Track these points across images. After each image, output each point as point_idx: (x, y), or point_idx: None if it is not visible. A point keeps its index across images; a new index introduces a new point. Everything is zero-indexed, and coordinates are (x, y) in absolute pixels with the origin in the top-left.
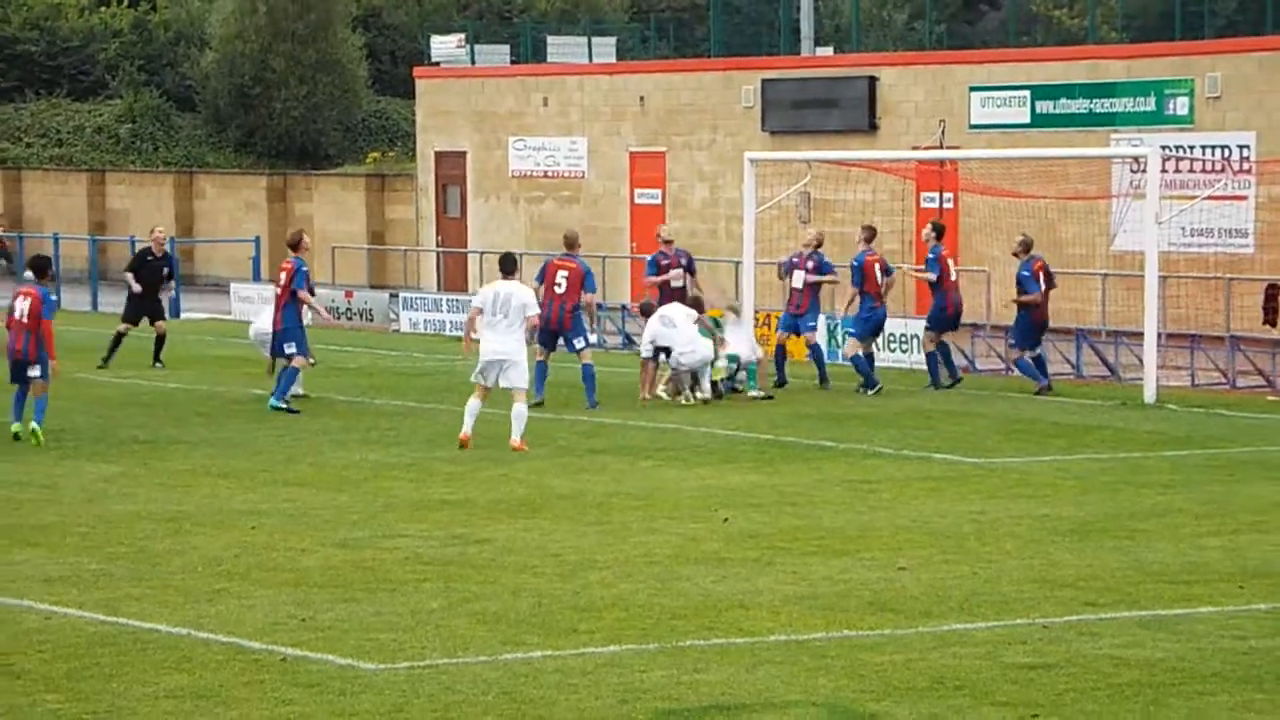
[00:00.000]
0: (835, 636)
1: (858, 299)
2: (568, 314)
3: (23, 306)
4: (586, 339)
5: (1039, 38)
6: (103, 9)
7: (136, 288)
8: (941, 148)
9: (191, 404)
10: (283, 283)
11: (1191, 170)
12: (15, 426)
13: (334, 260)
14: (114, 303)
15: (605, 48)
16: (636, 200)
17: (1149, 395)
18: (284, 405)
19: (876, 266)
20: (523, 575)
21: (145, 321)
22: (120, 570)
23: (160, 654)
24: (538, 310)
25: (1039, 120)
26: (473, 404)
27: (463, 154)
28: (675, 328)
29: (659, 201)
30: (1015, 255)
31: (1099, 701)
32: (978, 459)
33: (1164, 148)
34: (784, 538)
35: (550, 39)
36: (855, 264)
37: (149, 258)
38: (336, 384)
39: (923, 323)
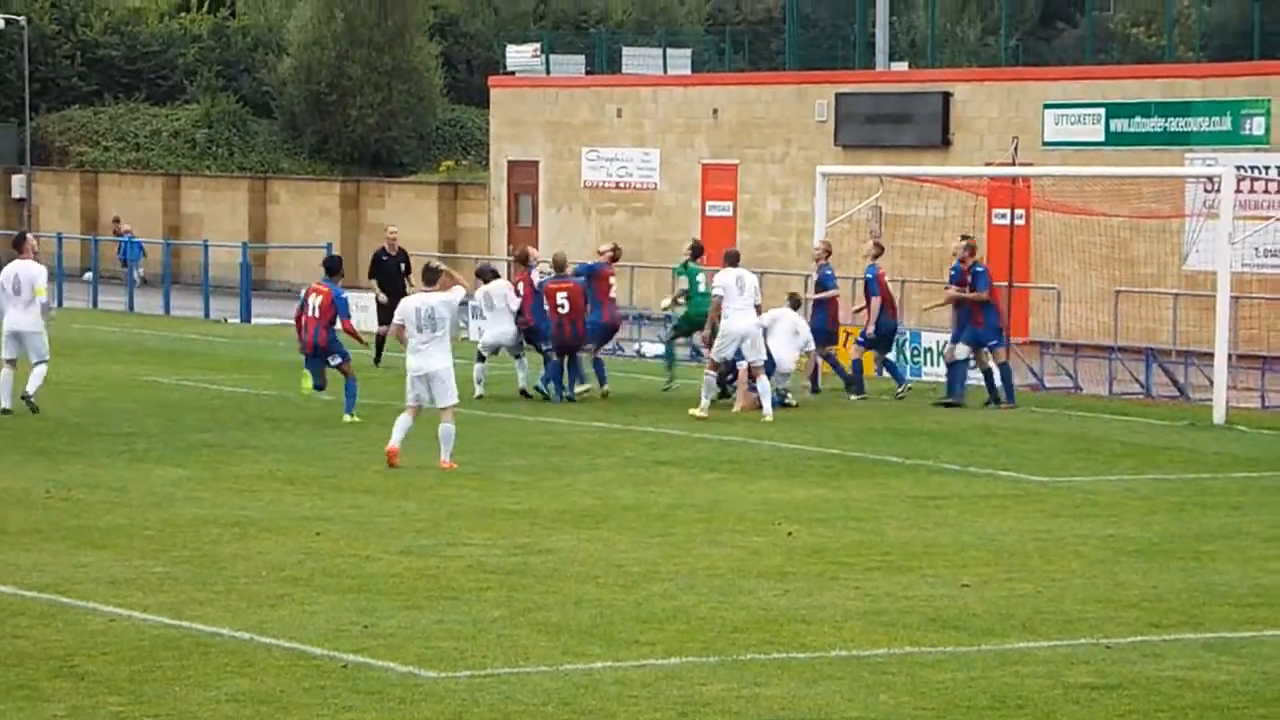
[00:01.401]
0: (897, 653)
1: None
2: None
3: (315, 303)
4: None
5: (1115, 55)
6: (182, 14)
7: (383, 298)
8: (1014, 164)
9: (260, 409)
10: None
11: (1266, 190)
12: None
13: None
14: (187, 306)
15: (680, 59)
16: (708, 212)
17: (1218, 416)
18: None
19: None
20: (585, 586)
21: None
22: (185, 574)
23: (223, 658)
24: (463, 321)
25: (1113, 138)
26: (404, 420)
27: (536, 163)
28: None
29: (730, 214)
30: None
31: None
32: (1044, 477)
33: (1239, 168)
34: (847, 553)
35: (625, 50)
36: (869, 277)
37: (384, 258)
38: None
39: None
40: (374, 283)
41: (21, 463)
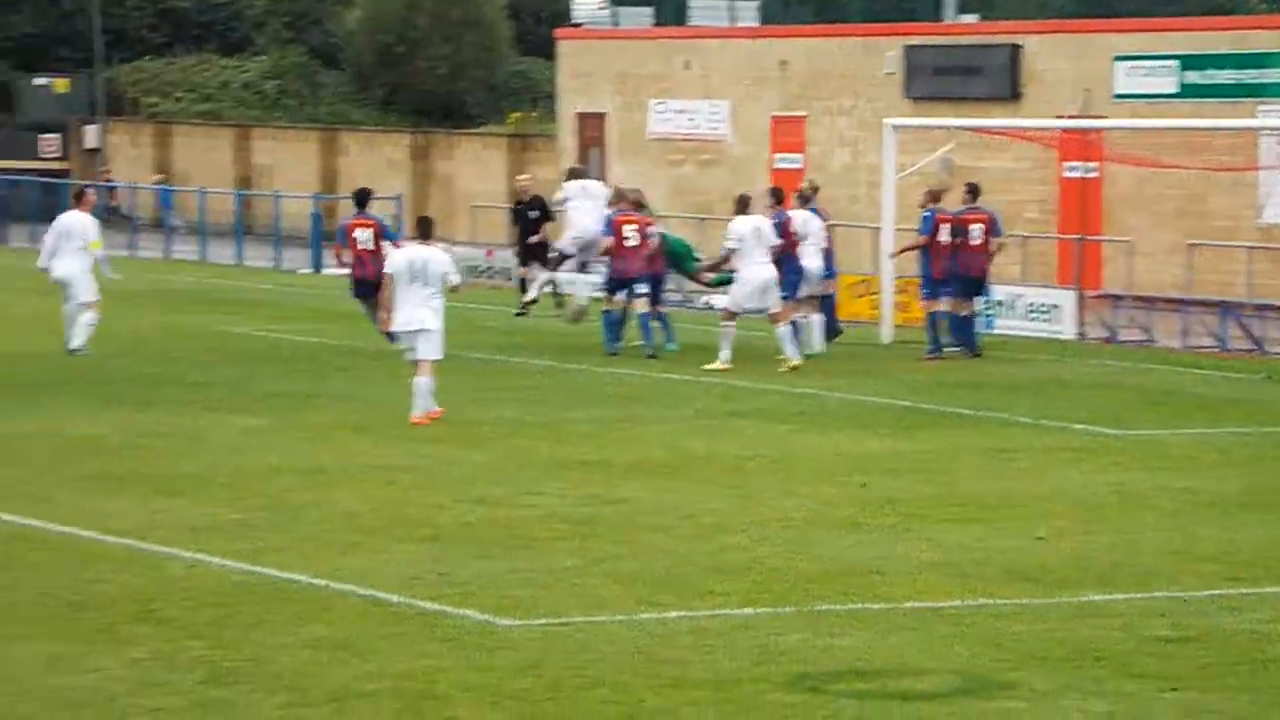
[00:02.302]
0: (972, 605)
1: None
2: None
3: (365, 236)
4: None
5: (1187, 7)
6: None
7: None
8: (1082, 116)
9: (332, 359)
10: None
11: None
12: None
13: (474, 219)
14: (259, 256)
15: (748, 11)
16: (777, 164)
17: None
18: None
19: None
20: (658, 536)
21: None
22: (260, 521)
23: (300, 604)
24: (459, 278)
25: (1186, 90)
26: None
27: (603, 115)
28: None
29: (800, 166)
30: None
31: (1239, 676)
32: (1118, 430)
33: None
34: (921, 505)
35: (692, 2)
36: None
37: (519, 206)
38: (474, 341)
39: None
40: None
41: (98, 411)
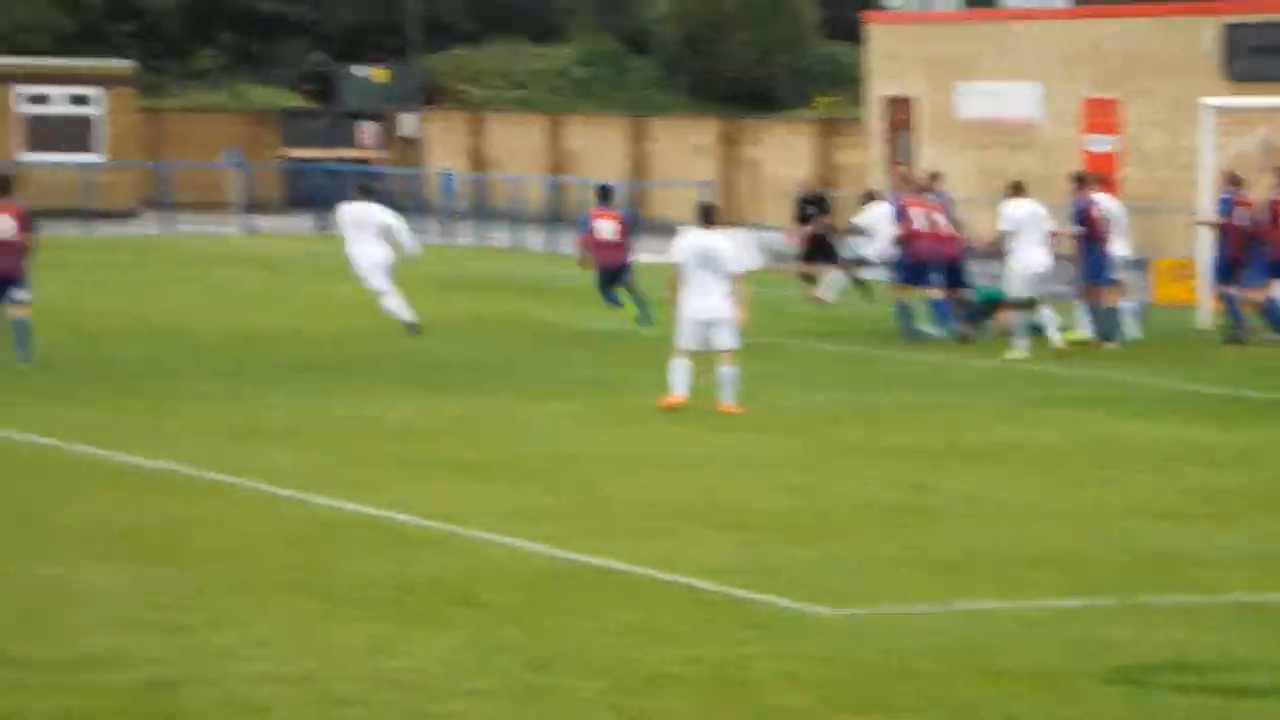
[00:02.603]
0: None
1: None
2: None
3: (609, 228)
4: None
5: None
6: None
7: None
8: None
9: (642, 346)
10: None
11: None
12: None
13: (781, 205)
14: (570, 243)
15: None
16: (1090, 148)
17: None
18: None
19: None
20: (972, 524)
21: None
22: (575, 506)
23: (613, 591)
24: (738, 267)
25: None
26: (680, 363)
27: (912, 99)
28: None
29: (1114, 149)
30: None
31: None
32: None
33: None
34: (1243, 496)
35: None
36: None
37: (803, 200)
38: (784, 326)
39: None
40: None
41: (415, 396)
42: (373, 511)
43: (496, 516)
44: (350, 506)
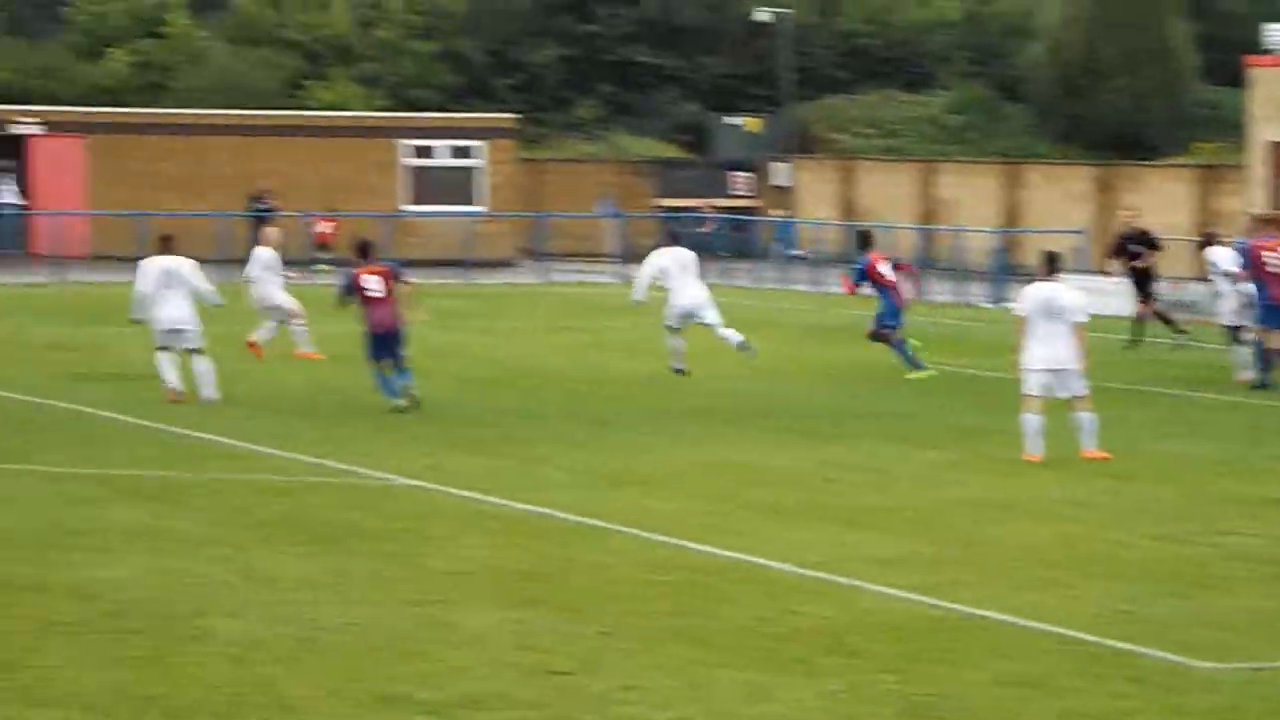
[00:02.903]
0: None
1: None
2: None
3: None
4: None
5: None
6: (936, 1)
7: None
8: None
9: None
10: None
11: None
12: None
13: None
14: (942, 290)
15: None
16: None
17: None
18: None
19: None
20: None
21: None
22: (948, 555)
23: (988, 640)
24: (1081, 317)
25: None
26: (1032, 419)
27: None
28: None
29: None
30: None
31: None
32: None
33: None
34: None
35: None
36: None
37: (1123, 239)
38: (1147, 375)
39: None
40: (1115, 262)
41: (784, 443)
42: (747, 558)
43: (870, 564)
44: (725, 553)
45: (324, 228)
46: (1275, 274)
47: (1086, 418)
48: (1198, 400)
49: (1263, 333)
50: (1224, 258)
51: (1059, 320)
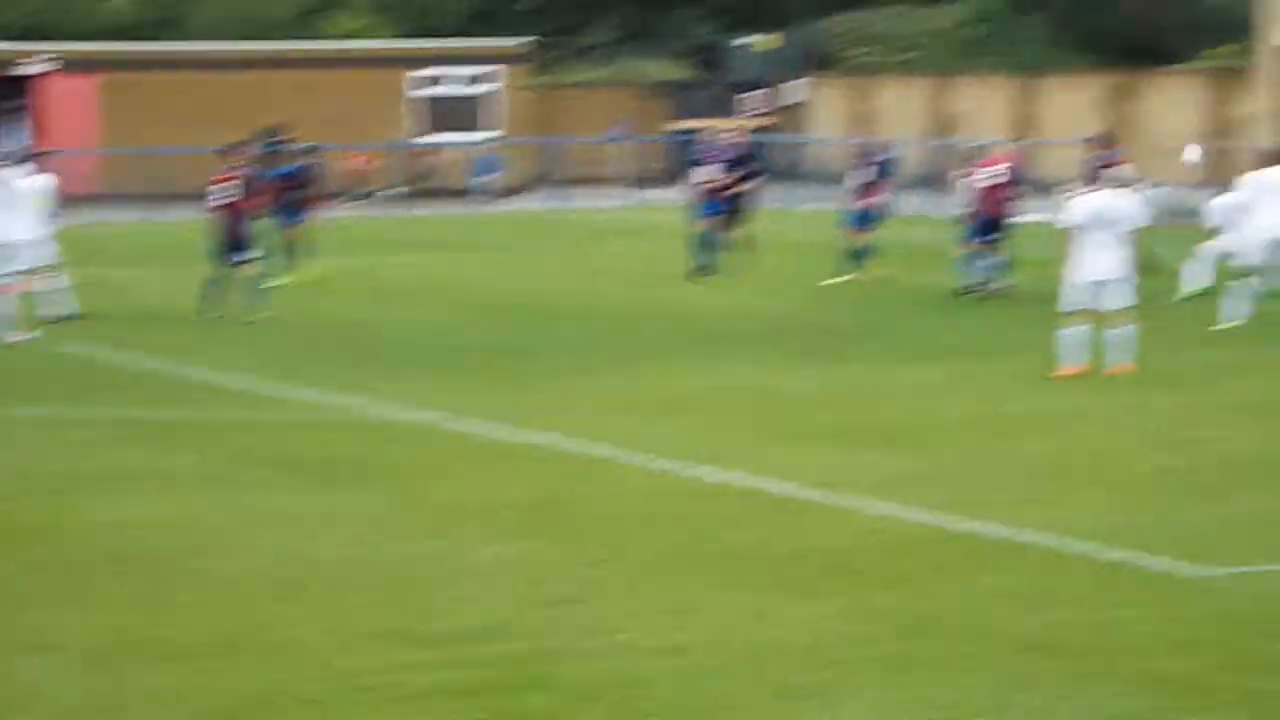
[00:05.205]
0: None
1: None
2: None
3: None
4: None
5: None
6: None
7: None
8: None
9: (1015, 307)
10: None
11: None
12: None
13: (1169, 159)
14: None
15: None
16: None
17: None
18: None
19: None
20: None
21: None
22: (949, 471)
23: (989, 556)
24: (1137, 224)
25: None
26: (1075, 331)
27: None
28: None
29: None
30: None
31: None
32: None
33: None
34: None
35: None
36: None
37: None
38: (1159, 284)
39: None
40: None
41: (792, 364)
42: (749, 481)
43: (873, 484)
44: (726, 477)
45: (358, 163)
46: None
47: (1123, 332)
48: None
49: None
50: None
51: (1110, 230)
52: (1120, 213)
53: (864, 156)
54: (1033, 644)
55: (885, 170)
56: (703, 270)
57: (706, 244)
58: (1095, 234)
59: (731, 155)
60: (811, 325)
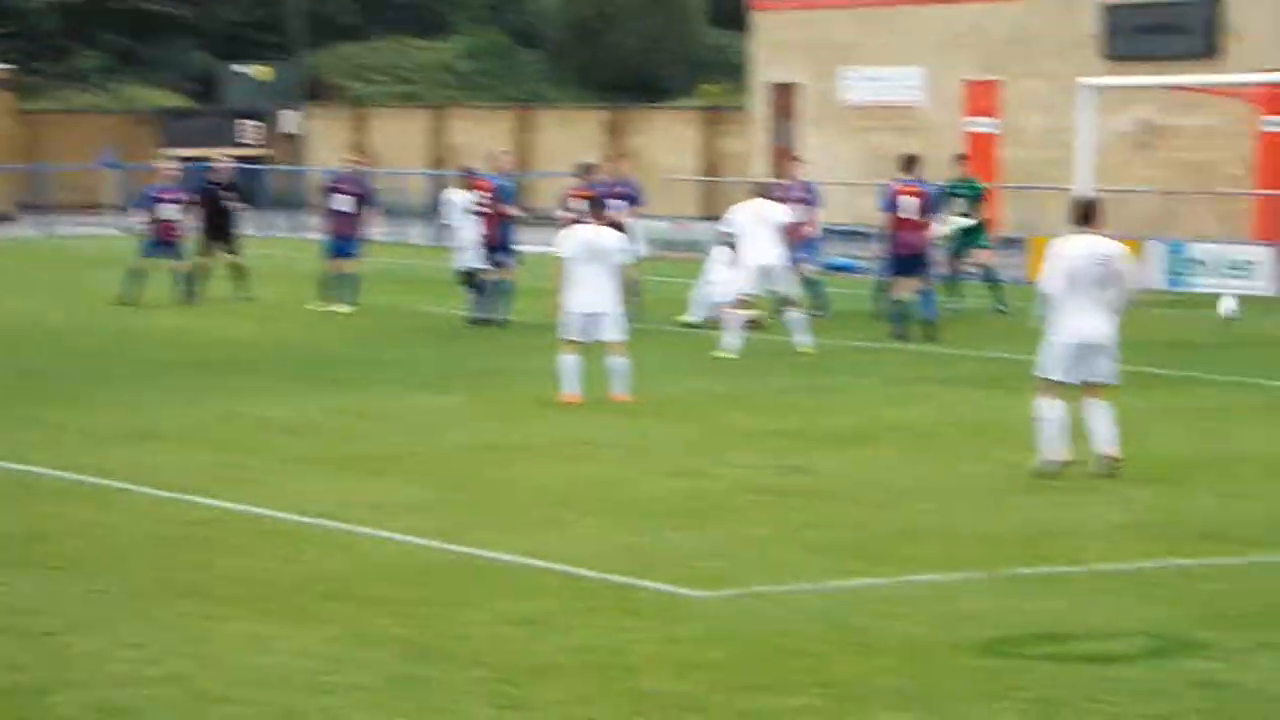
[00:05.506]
0: (1163, 565)
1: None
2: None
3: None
4: None
5: None
6: None
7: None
8: None
9: (527, 337)
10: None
11: None
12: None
13: (668, 193)
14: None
15: None
16: (972, 129)
17: None
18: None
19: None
20: (849, 504)
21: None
22: (457, 499)
23: (495, 582)
24: (625, 258)
25: None
26: (569, 360)
27: (796, 86)
28: None
29: (996, 130)
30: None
31: None
32: None
33: None
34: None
35: None
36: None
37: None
38: (668, 314)
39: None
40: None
41: (296, 392)
42: (255, 510)
43: (380, 511)
44: (232, 505)
45: None
46: (908, 219)
47: (618, 363)
48: (707, 337)
49: (892, 283)
50: (461, 199)
51: (602, 263)
52: (608, 245)
53: (343, 186)
54: (537, 668)
55: (369, 200)
56: (184, 297)
57: (138, 274)
58: (585, 266)
59: (187, 192)
60: (312, 353)
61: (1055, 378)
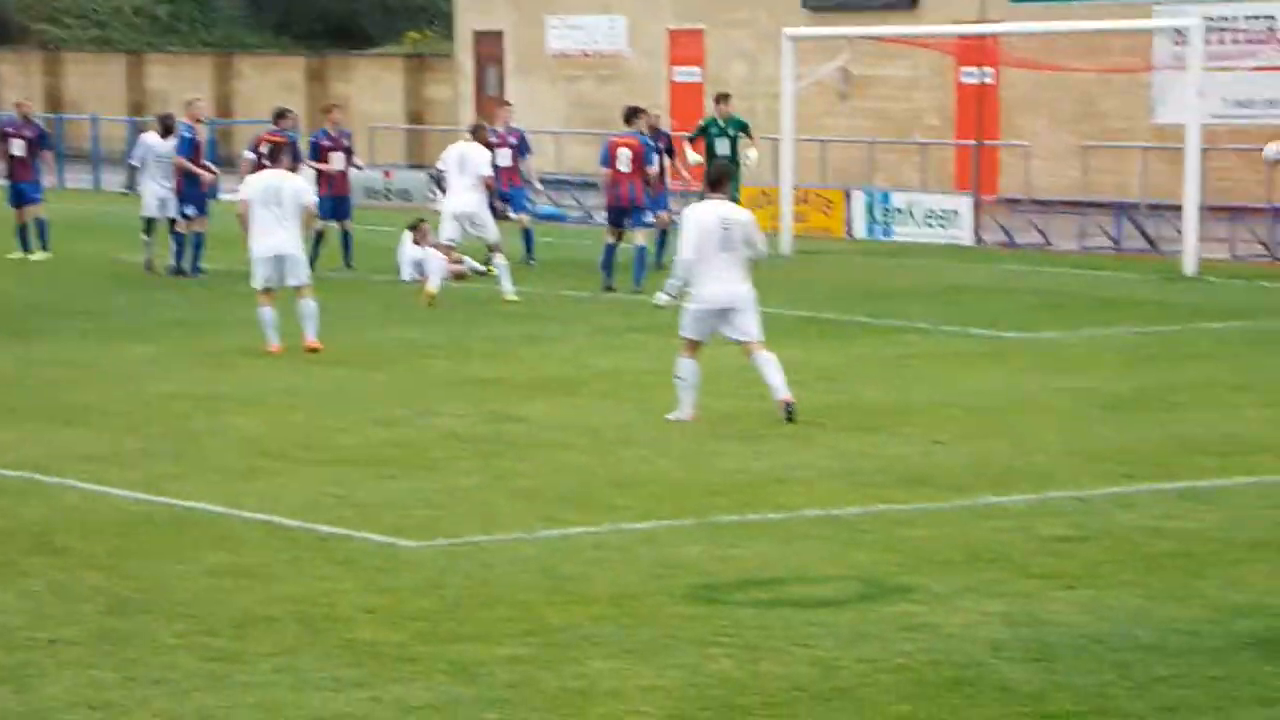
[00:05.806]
0: (871, 511)
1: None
2: (639, 192)
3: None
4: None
5: None
6: None
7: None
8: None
9: (230, 284)
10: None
11: (1235, 41)
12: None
13: (372, 141)
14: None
15: None
16: (676, 78)
17: (1189, 268)
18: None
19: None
20: (559, 452)
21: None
22: (159, 449)
23: (200, 532)
24: (307, 200)
25: None
26: (267, 311)
27: (501, 33)
28: None
29: (699, 79)
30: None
31: (1135, 571)
32: (1016, 333)
33: (1207, 19)
34: (821, 414)
35: None
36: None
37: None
38: (374, 263)
39: (965, 198)
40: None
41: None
42: None
43: (79, 461)
44: None
45: None
46: (625, 173)
47: (307, 305)
48: (415, 286)
49: (610, 232)
50: (158, 143)
51: (282, 207)
52: (290, 190)
53: (15, 130)
54: (245, 619)
55: (44, 143)
56: None
57: None
58: (267, 210)
59: None
60: (10, 303)
61: (692, 337)
